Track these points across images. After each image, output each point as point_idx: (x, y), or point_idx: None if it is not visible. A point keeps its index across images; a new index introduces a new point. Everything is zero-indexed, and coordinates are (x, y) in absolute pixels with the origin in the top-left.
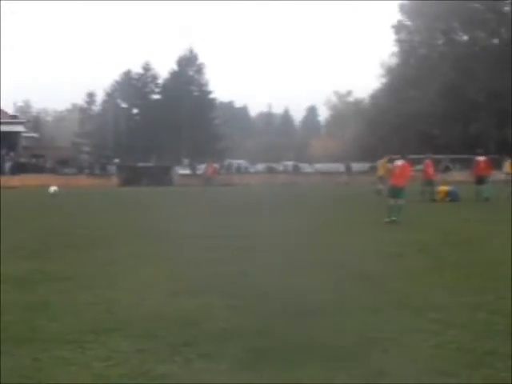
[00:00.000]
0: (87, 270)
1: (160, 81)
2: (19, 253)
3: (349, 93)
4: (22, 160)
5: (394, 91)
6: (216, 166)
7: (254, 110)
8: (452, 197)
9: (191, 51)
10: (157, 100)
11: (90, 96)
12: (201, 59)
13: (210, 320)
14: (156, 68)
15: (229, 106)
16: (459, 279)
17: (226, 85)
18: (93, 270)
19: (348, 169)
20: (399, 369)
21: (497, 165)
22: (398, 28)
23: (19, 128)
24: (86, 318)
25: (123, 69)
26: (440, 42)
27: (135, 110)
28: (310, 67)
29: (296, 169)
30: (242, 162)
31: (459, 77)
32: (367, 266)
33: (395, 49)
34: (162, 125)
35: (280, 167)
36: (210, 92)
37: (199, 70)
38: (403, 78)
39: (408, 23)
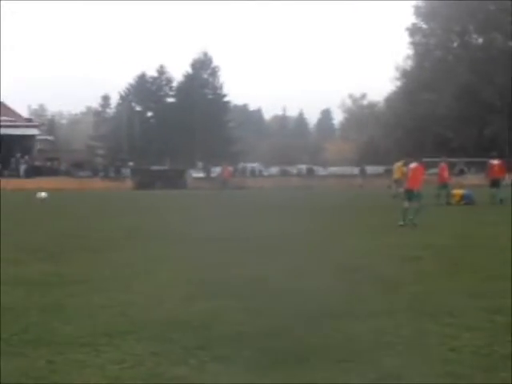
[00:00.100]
0: (102, 273)
1: (174, 84)
2: (34, 255)
3: (363, 96)
4: (37, 163)
5: (409, 94)
6: (231, 168)
7: (269, 113)
8: (467, 200)
9: (206, 54)
10: (171, 103)
11: (105, 99)
12: (215, 62)
13: (224, 323)
14: (170, 71)
15: (243, 108)
16: (475, 282)
17: (240, 88)
18: (107, 273)
19: (362, 172)
20: (413, 372)
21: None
22: (413, 31)
23: (34, 131)
24: (101, 321)
25: (138, 72)
26: (455, 44)
27: (149, 113)
28: (324, 70)
29: (310, 172)
30: (256, 165)
31: (474, 79)
32: (382, 269)
33: (410, 51)
34: (177, 128)
35: (294, 170)
36: (224, 95)
37: (213, 73)
38: (418, 81)
39: (423, 26)
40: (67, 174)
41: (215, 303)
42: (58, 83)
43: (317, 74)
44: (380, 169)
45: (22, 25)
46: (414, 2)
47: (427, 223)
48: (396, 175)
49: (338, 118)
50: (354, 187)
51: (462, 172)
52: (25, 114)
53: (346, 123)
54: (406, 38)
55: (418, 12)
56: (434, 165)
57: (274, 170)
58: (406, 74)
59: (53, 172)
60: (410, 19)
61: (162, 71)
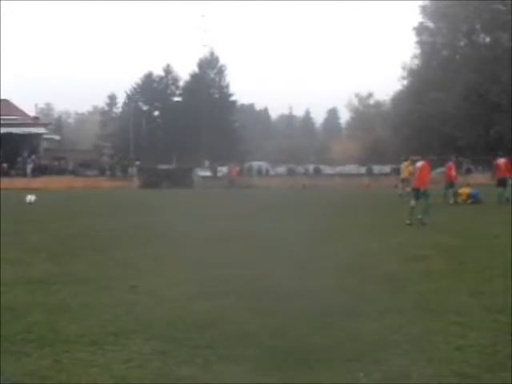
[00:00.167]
0: (108, 272)
1: (181, 83)
2: (40, 255)
3: (370, 95)
4: (44, 162)
5: (416, 93)
6: (237, 168)
7: (275, 112)
8: (474, 199)
9: (212, 53)
10: (178, 102)
11: (112, 98)
12: (222, 61)
13: (230, 322)
14: (177, 70)
15: (250, 108)
16: (481, 282)
17: (247, 87)
18: (113, 272)
19: (369, 171)
20: (419, 371)
21: None
22: (420, 30)
23: (41, 130)
24: (107, 320)
25: (144, 71)
26: (462, 43)
27: (156, 113)
28: (331, 69)
29: (317, 171)
30: (263, 164)
31: (481, 79)
32: (389, 268)
33: (417, 51)
34: (183, 127)
35: (301, 169)
36: (230, 94)
37: (220, 72)
38: (425, 80)
39: (430, 25)
40: (74, 173)
41: (221, 302)
42: (65, 82)
43: (323, 74)
44: (387, 168)
45: (29, 24)
46: (420, 2)
47: (434, 222)
48: (404, 174)
49: (344, 117)
50: (361, 186)
51: (469, 171)
52: (32, 112)
53: (352, 122)
54: (412, 37)
55: (425, 11)
56: (442, 163)
57: (281, 169)
58: (412, 73)
59: (60, 171)
60: (417, 18)
61: (168, 70)
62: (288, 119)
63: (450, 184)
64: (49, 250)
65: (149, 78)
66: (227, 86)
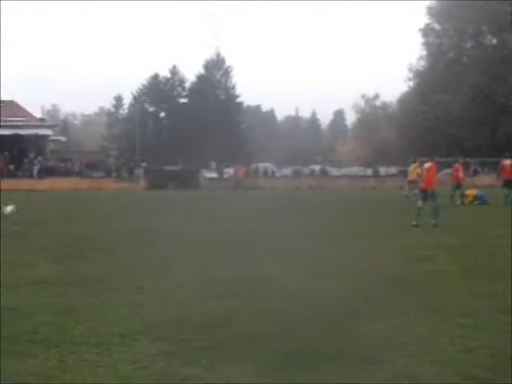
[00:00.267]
0: (114, 273)
1: (187, 84)
2: (47, 256)
3: (376, 96)
4: (50, 163)
5: (422, 95)
6: (244, 169)
7: (281, 114)
8: (480, 200)
9: (218, 55)
10: (184, 104)
11: (118, 100)
12: (228, 63)
13: (236, 323)
14: (183, 72)
15: (256, 109)
16: (488, 283)
17: (253, 88)
18: (119, 273)
19: (375, 173)
20: (426, 373)
21: None
22: (426, 31)
23: (47, 132)
24: (113, 321)
25: (150, 73)
26: (469, 45)
27: (162, 114)
28: (337, 70)
29: (323, 172)
30: (269, 166)
31: (488, 80)
32: (394, 269)
33: (423, 52)
34: (189, 128)
35: (307, 171)
36: (237, 96)
37: (226, 73)
38: (431, 82)
39: (436, 26)
40: (80, 174)
41: (227, 303)
42: (71, 84)
43: (330, 75)
44: (393, 170)
45: (35, 25)
46: (427, 3)
47: (440, 223)
48: (412, 176)
49: (350, 118)
50: (367, 188)
51: (475, 172)
52: (38, 114)
53: (358, 124)
54: (418, 39)
55: (431, 12)
56: (449, 165)
57: (287, 170)
58: (419, 75)
59: (66, 172)
60: (423, 20)
61: (174, 72)
62: (294, 120)
63: (457, 185)
64: (55, 251)
65: (155, 79)
66: (233, 88)
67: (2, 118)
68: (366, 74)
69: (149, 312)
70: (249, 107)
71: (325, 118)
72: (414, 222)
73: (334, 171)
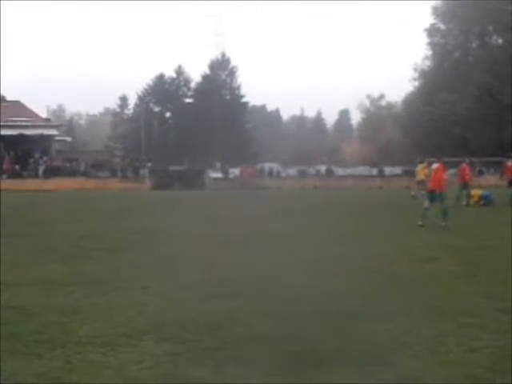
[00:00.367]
0: (119, 274)
1: (192, 84)
2: (52, 256)
3: (382, 96)
4: (56, 163)
5: (427, 95)
6: (251, 169)
7: (287, 114)
8: (486, 200)
9: (224, 55)
10: (189, 104)
11: (123, 100)
12: (233, 63)
13: (242, 324)
14: (188, 72)
15: (261, 109)
16: (494, 284)
17: (258, 88)
18: (125, 274)
19: (381, 172)
20: (431, 373)
21: None
22: (431, 31)
23: (52, 132)
24: (118, 322)
25: (156, 73)
26: (474, 45)
27: (167, 114)
28: (342, 70)
29: (329, 172)
30: (274, 166)
31: (493, 80)
32: (401, 270)
33: (428, 52)
34: (195, 128)
35: (312, 171)
36: (242, 96)
37: (231, 73)
38: (436, 82)
39: (441, 26)
40: (86, 174)
41: (233, 304)
42: (77, 84)
43: (335, 75)
44: (398, 170)
45: (41, 25)
46: (432, 3)
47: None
48: (419, 177)
49: (356, 118)
50: (373, 188)
51: (481, 172)
52: (43, 114)
53: (363, 124)
54: (424, 39)
55: (436, 12)
56: (455, 165)
57: (292, 170)
58: (424, 75)
59: (71, 172)
60: (429, 20)
61: (179, 72)
62: (299, 120)
63: (465, 185)
64: (60, 251)
65: (160, 79)
66: (239, 88)
67: (8, 118)
68: (371, 74)
69: (154, 312)
70: (254, 107)
71: (330, 118)
72: (420, 223)
73: (340, 171)
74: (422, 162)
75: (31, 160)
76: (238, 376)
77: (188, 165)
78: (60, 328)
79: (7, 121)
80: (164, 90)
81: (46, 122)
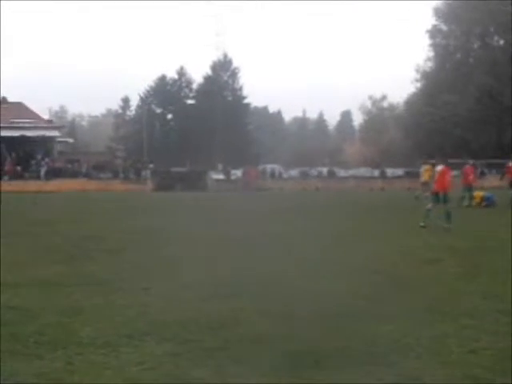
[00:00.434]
0: (121, 274)
1: (194, 86)
2: (54, 257)
3: (384, 97)
4: (58, 165)
5: (429, 96)
6: (254, 171)
7: (289, 115)
8: (488, 202)
9: (225, 56)
10: (191, 105)
11: (125, 101)
12: (235, 64)
13: (243, 324)
14: (190, 73)
15: (263, 110)
16: (494, 285)
17: (260, 89)
18: (126, 274)
19: (383, 174)
20: (432, 374)
21: None
22: (433, 32)
23: (54, 133)
24: (120, 322)
25: (158, 74)
26: (475, 46)
27: (169, 115)
28: (344, 72)
29: (331, 174)
30: (276, 167)
31: (495, 81)
32: (402, 272)
33: (430, 53)
34: (197, 130)
35: (314, 172)
36: (244, 97)
37: (233, 74)
38: (438, 83)
39: (443, 27)
40: (87, 175)
41: (234, 304)
42: (79, 85)
43: (337, 76)
44: (399, 171)
45: (43, 27)
46: (433, 4)
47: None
48: (424, 178)
49: (357, 119)
50: (375, 189)
51: (482, 174)
52: (45, 115)
53: (365, 125)
54: (426, 40)
55: (438, 14)
56: (457, 166)
57: (294, 172)
58: (426, 76)
59: (73, 174)
60: (430, 21)
61: (181, 73)
62: (301, 121)
63: (468, 187)
64: (62, 251)
65: (162, 80)
66: (240, 89)
67: (10, 120)
68: (373, 75)
69: (156, 313)
70: (256, 108)
71: (332, 119)
72: (422, 223)
73: (341, 172)
74: (425, 164)
75: (33, 161)
76: (239, 376)
77: (190, 166)
78: (61, 329)
79: (9, 122)
80: (166, 92)
81: (48, 124)
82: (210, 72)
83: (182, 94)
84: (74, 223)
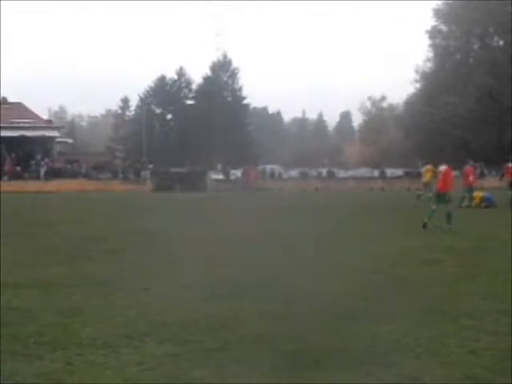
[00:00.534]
0: (121, 275)
1: (194, 86)
2: (54, 257)
3: (383, 98)
4: (57, 165)
5: (429, 96)
6: (254, 172)
7: (288, 116)
8: (488, 202)
9: (225, 56)
10: (190, 105)
11: (125, 101)
12: (235, 64)
13: (242, 325)
14: (190, 73)
15: (262, 111)
16: (494, 285)
17: (259, 90)
18: (126, 275)
19: (382, 174)
20: (432, 374)
21: None
22: (433, 33)
23: (54, 133)
24: (120, 323)
25: (157, 74)
26: (475, 46)
27: (169, 116)
28: (344, 72)
29: (330, 174)
30: (276, 168)
31: (494, 82)
32: (402, 272)
33: (430, 54)
34: (196, 130)
35: (314, 173)
36: (243, 97)
37: (233, 75)
38: (438, 83)
39: (443, 28)
40: (87, 176)
41: (234, 305)
42: (78, 85)
43: (336, 76)
44: (399, 171)
45: (43, 27)
46: (433, 5)
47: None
48: (425, 178)
49: (357, 120)
50: (375, 190)
51: (482, 174)
52: (45, 116)
53: (365, 126)
54: (425, 41)
55: (438, 14)
56: (458, 167)
57: (294, 172)
58: (425, 77)
59: (73, 174)
60: (430, 22)
61: (181, 73)
62: (301, 122)
63: (469, 188)
64: (62, 252)
65: (162, 80)
66: (240, 89)
67: (10, 120)
68: (372, 76)
69: (156, 313)
70: (255, 109)
71: (331, 120)
72: (425, 220)
73: (341, 173)
74: (427, 164)
75: (33, 162)
76: (239, 376)
77: (189, 166)
78: (61, 329)
79: (9, 122)
80: (165, 92)
81: (48, 124)
82: (209, 72)
83: (182, 95)
84: (74, 224)
